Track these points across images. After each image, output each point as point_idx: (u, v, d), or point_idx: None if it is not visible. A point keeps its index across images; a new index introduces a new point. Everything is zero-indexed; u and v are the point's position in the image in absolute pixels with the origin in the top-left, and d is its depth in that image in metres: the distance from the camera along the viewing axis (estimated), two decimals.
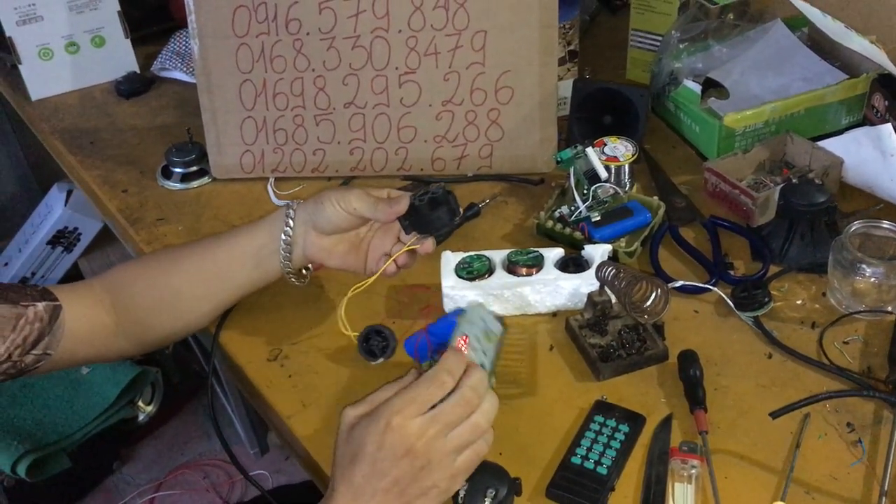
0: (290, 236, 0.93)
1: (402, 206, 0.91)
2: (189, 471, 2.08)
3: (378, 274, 0.94)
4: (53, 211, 2.19)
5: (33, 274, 2.24)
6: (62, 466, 1.81)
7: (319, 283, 1.07)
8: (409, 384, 0.72)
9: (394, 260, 0.94)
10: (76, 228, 2.21)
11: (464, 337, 0.80)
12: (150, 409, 2.07)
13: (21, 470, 1.72)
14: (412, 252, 0.95)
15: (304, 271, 0.99)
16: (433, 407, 0.71)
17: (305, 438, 0.89)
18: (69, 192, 2.16)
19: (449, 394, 0.71)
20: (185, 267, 0.96)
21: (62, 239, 2.21)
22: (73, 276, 2.26)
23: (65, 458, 1.81)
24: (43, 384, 1.87)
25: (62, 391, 1.88)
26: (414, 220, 0.93)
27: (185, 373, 2.13)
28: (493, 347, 0.82)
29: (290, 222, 0.93)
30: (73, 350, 0.91)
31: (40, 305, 0.88)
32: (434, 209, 0.92)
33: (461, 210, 0.94)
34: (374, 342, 0.95)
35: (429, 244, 0.94)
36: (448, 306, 0.99)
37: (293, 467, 2.03)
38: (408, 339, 0.94)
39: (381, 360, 0.95)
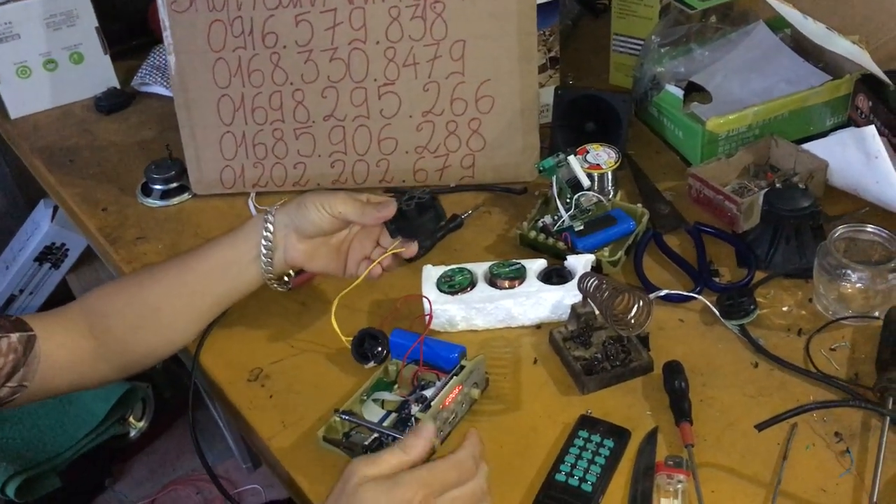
0: (270, 241, 0.94)
1: (390, 210, 0.93)
2: (181, 486, 2.06)
3: (363, 276, 0.96)
4: (40, 227, 2.17)
5: (21, 291, 2.22)
6: (52, 486, 1.79)
7: (301, 301, 1.06)
8: (434, 464, 0.69)
9: (379, 262, 0.96)
10: (63, 244, 2.19)
11: (459, 386, 0.86)
12: (141, 424, 2.06)
13: (10, 491, 1.70)
14: (396, 256, 0.97)
15: (285, 277, 0.99)
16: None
17: (286, 459, 0.88)
18: (55, 208, 2.14)
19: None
20: (163, 282, 0.95)
21: (50, 255, 2.19)
22: (61, 292, 2.24)
23: (55, 478, 1.79)
24: (31, 403, 1.85)
25: (51, 409, 1.86)
26: (400, 225, 0.95)
27: (176, 388, 2.11)
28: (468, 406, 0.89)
29: (270, 227, 0.94)
30: (51, 380, 0.90)
31: (14, 337, 0.86)
32: (421, 214, 0.95)
33: (446, 217, 0.97)
34: (368, 345, 0.95)
35: (412, 247, 0.96)
36: (433, 323, 0.98)
37: None
38: (398, 332, 0.94)
39: (372, 363, 0.94)
